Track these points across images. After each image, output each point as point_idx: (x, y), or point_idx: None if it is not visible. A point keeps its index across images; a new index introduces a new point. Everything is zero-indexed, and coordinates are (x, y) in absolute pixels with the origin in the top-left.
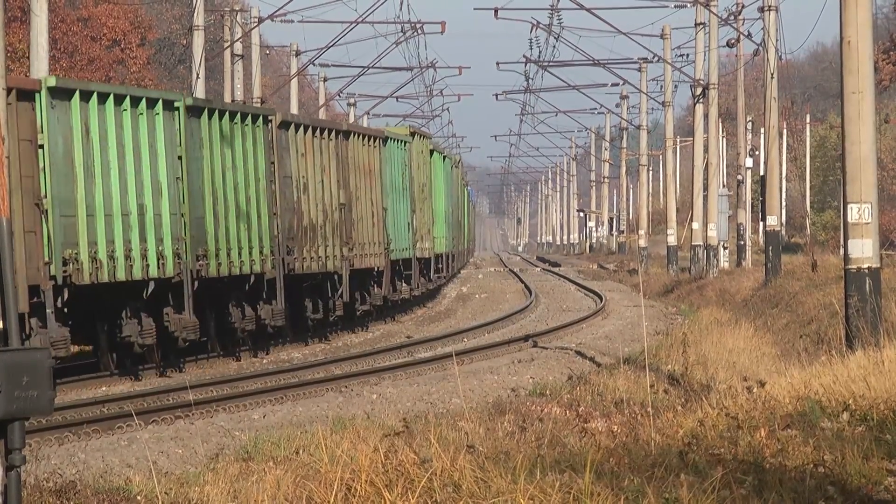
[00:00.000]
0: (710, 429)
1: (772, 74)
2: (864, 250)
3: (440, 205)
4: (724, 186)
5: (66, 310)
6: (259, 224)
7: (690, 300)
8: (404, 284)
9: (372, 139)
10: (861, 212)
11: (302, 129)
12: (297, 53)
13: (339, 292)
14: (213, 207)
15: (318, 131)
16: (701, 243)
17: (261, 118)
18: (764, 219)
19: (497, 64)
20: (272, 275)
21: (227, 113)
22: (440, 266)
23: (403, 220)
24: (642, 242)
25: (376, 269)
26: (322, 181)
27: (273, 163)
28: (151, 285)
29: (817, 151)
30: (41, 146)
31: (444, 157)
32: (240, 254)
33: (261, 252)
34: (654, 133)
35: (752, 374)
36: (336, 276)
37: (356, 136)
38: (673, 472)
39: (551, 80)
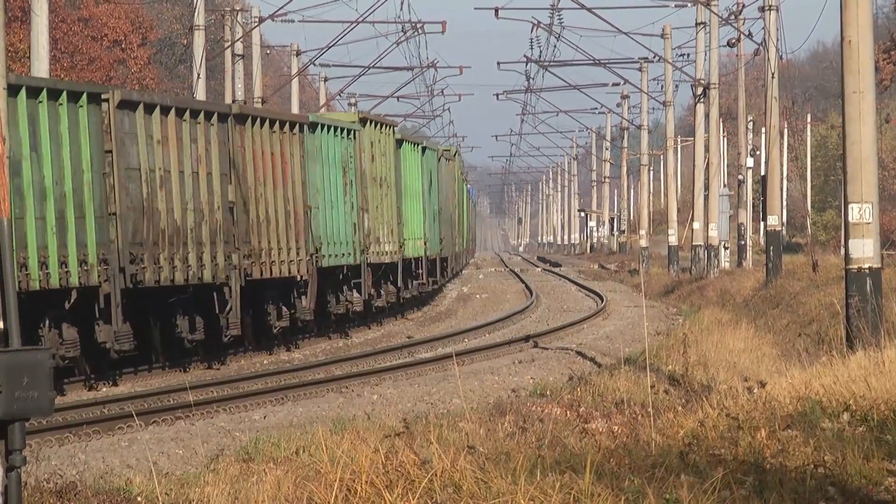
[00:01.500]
0: (710, 429)
1: (772, 74)
2: (864, 250)
3: (415, 203)
4: (724, 186)
5: None
6: (84, 227)
7: (691, 300)
8: (356, 294)
9: (288, 126)
10: (862, 212)
11: (158, 110)
12: (298, 53)
13: (229, 308)
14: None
15: (186, 114)
16: (702, 243)
17: (85, 95)
18: (765, 219)
19: (498, 64)
20: (107, 288)
21: (43, 90)
22: (419, 272)
23: (344, 221)
24: (643, 242)
25: (299, 277)
26: (195, 175)
27: (110, 151)
28: None
29: (818, 151)
30: None
31: (425, 149)
32: (62, 263)
33: (84, 261)
34: (655, 133)
35: (753, 375)
36: (226, 288)
37: (258, 121)
38: (673, 472)
39: (552, 79)
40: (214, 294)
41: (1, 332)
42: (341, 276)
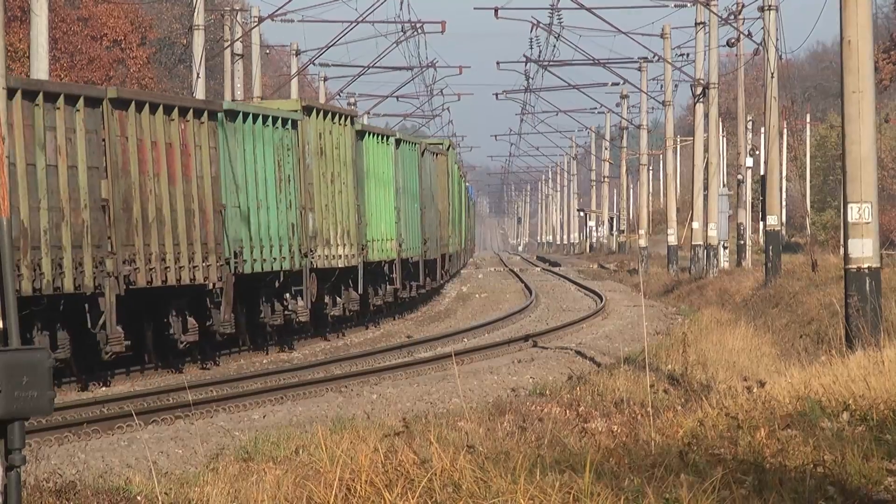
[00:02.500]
0: (710, 429)
1: (772, 74)
2: (864, 250)
3: (384, 201)
4: (724, 186)
5: None
6: None
7: (690, 300)
8: (299, 301)
9: (192, 113)
10: (861, 211)
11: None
12: (298, 53)
13: (102, 320)
14: None
15: (39, 98)
16: (701, 243)
17: None
18: (764, 218)
19: (497, 63)
20: None
21: None
22: (392, 276)
23: (277, 222)
24: (642, 242)
25: (211, 286)
26: (51, 168)
27: None
28: None
29: (817, 151)
30: None
31: (401, 142)
32: None
33: None
34: (655, 132)
35: (752, 374)
36: (101, 298)
37: (146, 107)
38: (673, 472)
39: (551, 79)
40: (87, 305)
41: (0, 332)
42: (278, 284)
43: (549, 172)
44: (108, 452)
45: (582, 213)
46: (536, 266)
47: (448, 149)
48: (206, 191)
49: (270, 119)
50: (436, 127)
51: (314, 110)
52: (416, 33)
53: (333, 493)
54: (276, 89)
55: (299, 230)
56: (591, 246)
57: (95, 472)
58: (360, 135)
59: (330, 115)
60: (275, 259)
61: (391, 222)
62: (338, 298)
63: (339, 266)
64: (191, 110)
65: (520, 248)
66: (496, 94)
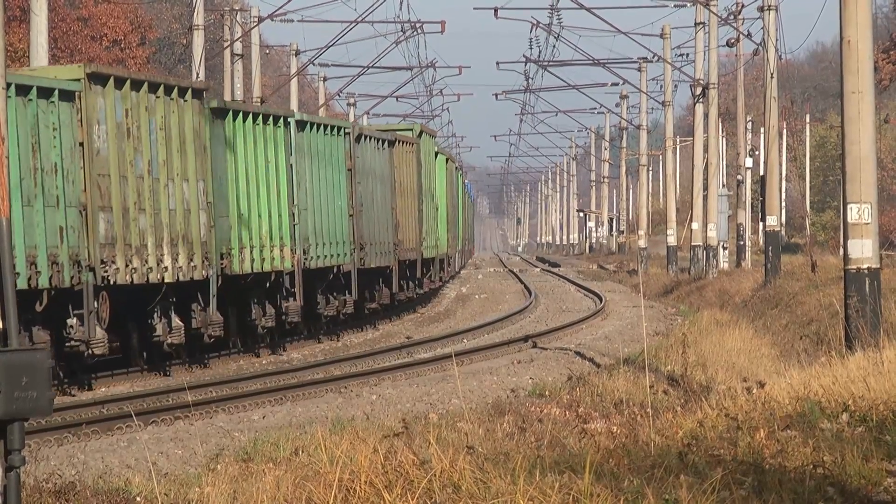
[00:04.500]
0: (709, 430)
1: (772, 74)
2: (863, 250)
3: (274, 196)
4: (723, 186)
5: None
6: None
7: (690, 301)
8: (78, 325)
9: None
10: (861, 212)
11: None
12: (297, 53)
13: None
14: None
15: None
16: (701, 244)
17: None
18: (764, 219)
19: (497, 64)
20: None
21: None
22: (294, 290)
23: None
24: (642, 243)
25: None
26: None
27: None
28: None
29: (817, 151)
30: None
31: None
32: None
33: None
34: (654, 133)
35: (752, 375)
36: None
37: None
38: (672, 472)
39: (551, 79)
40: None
41: (0, 332)
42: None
43: (549, 173)
44: (108, 453)
45: (581, 214)
46: (536, 267)
47: (420, 136)
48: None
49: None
50: (435, 127)
51: (112, 79)
52: (415, 33)
53: (333, 493)
54: (276, 89)
55: (78, 235)
56: (590, 246)
57: (95, 472)
58: (219, 112)
59: (147, 85)
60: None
61: (285, 224)
62: (172, 324)
63: (167, 281)
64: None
65: (519, 249)
66: (496, 95)
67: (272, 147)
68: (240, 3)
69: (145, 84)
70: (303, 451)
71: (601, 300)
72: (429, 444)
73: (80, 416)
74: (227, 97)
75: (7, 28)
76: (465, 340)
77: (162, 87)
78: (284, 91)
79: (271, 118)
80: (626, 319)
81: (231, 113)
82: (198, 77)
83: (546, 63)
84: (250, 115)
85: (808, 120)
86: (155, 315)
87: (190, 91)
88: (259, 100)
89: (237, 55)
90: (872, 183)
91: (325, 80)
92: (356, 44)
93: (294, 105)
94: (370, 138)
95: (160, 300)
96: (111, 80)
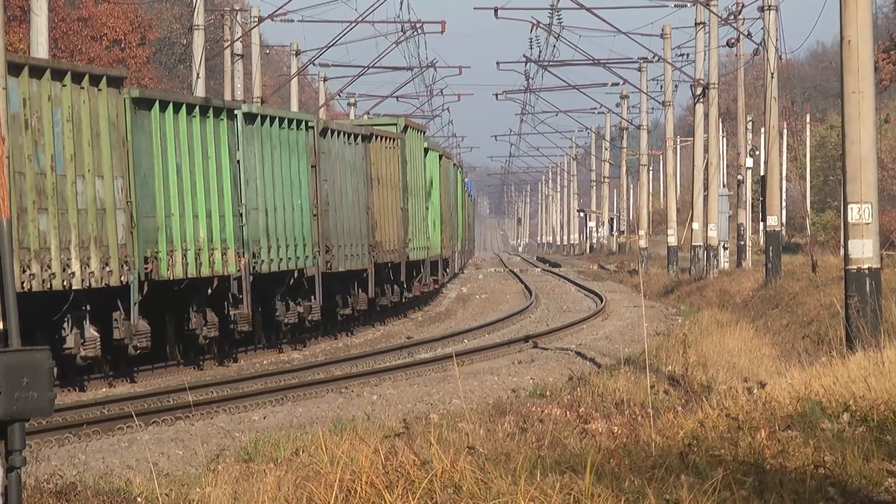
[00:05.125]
0: (710, 430)
1: (772, 74)
2: (864, 250)
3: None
4: (724, 186)
5: None
6: None
7: (690, 301)
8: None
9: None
10: (861, 212)
11: None
12: (297, 53)
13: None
14: None
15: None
16: (701, 244)
17: None
18: (764, 219)
19: (497, 63)
20: None
21: None
22: (233, 299)
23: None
24: (642, 243)
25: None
26: None
27: None
28: None
29: (817, 151)
30: None
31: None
32: None
33: None
34: (655, 133)
35: (753, 375)
36: None
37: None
38: (673, 473)
39: (551, 79)
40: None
41: (0, 333)
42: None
43: (549, 173)
44: (109, 453)
45: (582, 214)
46: (536, 267)
47: (405, 131)
48: None
49: None
50: (435, 127)
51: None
52: (415, 33)
53: (334, 494)
54: (276, 89)
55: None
56: (591, 247)
57: (96, 473)
58: (142, 104)
59: (49, 72)
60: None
61: (220, 226)
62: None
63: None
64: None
65: (520, 249)
66: (496, 95)
67: (212, 141)
68: (240, 3)
69: (48, 71)
70: (304, 452)
71: (602, 300)
72: (430, 444)
73: (81, 417)
74: (228, 97)
75: (7, 28)
76: (465, 341)
77: (69, 75)
78: (285, 91)
79: (211, 110)
80: (627, 319)
81: (159, 103)
82: (198, 77)
83: (546, 63)
84: (184, 107)
85: (808, 120)
86: (65, 325)
87: (105, 79)
88: (259, 100)
89: (237, 55)
90: (873, 183)
91: (325, 80)
92: (356, 44)
93: (294, 105)
94: (339, 133)
95: (70, 309)
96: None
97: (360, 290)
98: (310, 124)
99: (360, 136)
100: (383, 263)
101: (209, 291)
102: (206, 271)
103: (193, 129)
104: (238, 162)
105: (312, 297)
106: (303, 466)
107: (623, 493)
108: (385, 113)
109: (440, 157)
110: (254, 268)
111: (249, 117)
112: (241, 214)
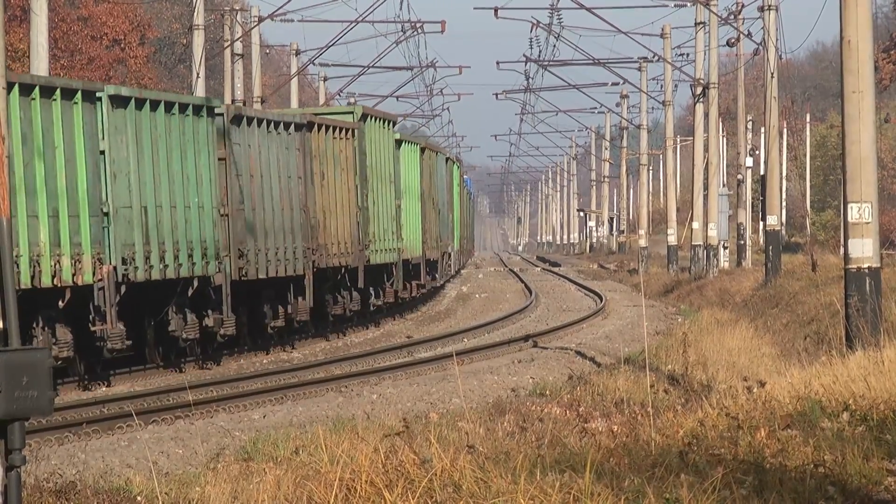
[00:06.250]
0: (710, 429)
1: (772, 74)
2: (864, 250)
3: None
4: (724, 186)
5: None
6: None
7: (690, 300)
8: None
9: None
10: (861, 211)
11: None
12: (297, 53)
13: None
14: None
15: None
16: (701, 243)
17: None
18: (764, 218)
19: (497, 63)
20: None
21: None
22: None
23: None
24: (642, 242)
25: None
26: None
27: None
28: None
29: (817, 151)
30: None
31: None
32: None
33: None
34: (655, 132)
35: (753, 374)
36: None
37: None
38: (673, 472)
39: (551, 79)
40: None
41: (0, 332)
42: None
43: (549, 172)
44: (109, 452)
45: (582, 214)
46: (536, 266)
47: (364, 119)
48: None
49: None
50: (436, 127)
51: None
52: (415, 33)
53: (334, 493)
54: (276, 89)
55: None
56: (591, 246)
57: (96, 472)
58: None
59: None
60: None
61: (72, 229)
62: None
63: None
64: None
65: (520, 249)
66: (496, 94)
67: (60, 129)
68: (240, 3)
69: None
70: (303, 451)
71: (602, 299)
72: (429, 443)
73: (81, 416)
74: (228, 97)
75: (7, 28)
76: (465, 340)
77: None
78: (285, 91)
79: (59, 91)
80: (627, 319)
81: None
82: (197, 77)
83: (546, 63)
84: (17, 86)
85: (808, 119)
86: None
87: None
88: (259, 99)
89: (237, 55)
90: (873, 182)
91: (325, 79)
92: (356, 44)
93: (294, 105)
94: (262, 122)
95: None
96: None
97: (299, 299)
98: (216, 111)
99: (292, 126)
100: (335, 268)
101: (60, 304)
102: (47, 281)
103: (34, 115)
104: (102, 153)
105: (220, 309)
106: (302, 465)
107: (623, 492)
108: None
109: (422, 150)
110: (125, 276)
111: (119, 101)
112: (104, 214)
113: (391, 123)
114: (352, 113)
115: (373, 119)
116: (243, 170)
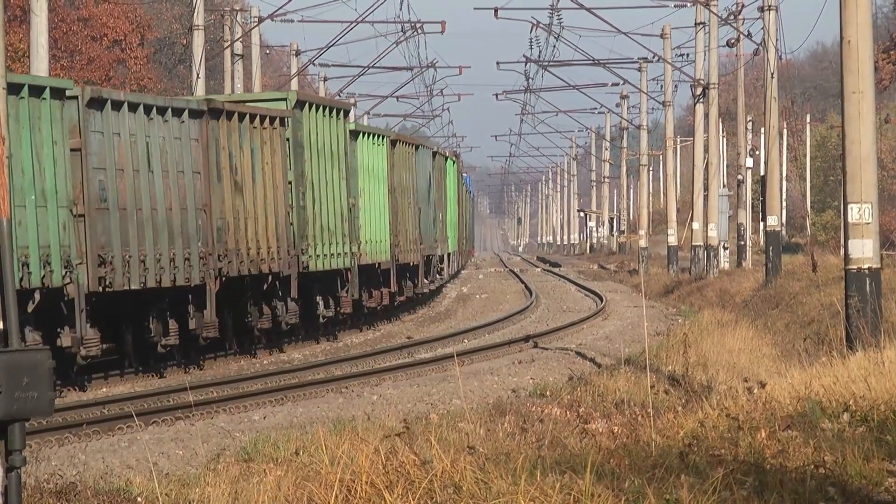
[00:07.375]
0: (710, 430)
1: (772, 74)
2: (864, 250)
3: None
4: (724, 186)
5: None
6: None
7: (691, 301)
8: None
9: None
10: (861, 212)
11: None
12: (297, 53)
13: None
14: None
15: None
16: (701, 243)
17: None
18: (764, 219)
19: (497, 64)
20: None
21: None
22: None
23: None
24: (643, 243)
25: None
26: None
27: None
28: None
29: (817, 151)
30: None
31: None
32: None
33: None
34: (655, 133)
35: (753, 375)
36: None
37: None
38: (673, 472)
39: (551, 79)
40: None
41: (0, 332)
42: None
43: (550, 173)
44: (109, 453)
45: (582, 214)
46: (537, 267)
47: (301, 107)
48: None
49: None
50: (436, 127)
51: None
52: (415, 33)
53: (334, 493)
54: (277, 89)
55: None
56: (591, 246)
57: (96, 473)
58: None
59: None
60: None
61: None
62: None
63: None
64: None
65: (520, 249)
66: (496, 95)
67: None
68: (240, 3)
69: None
70: (304, 452)
71: (602, 300)
72: (430, 444)
73: (81, 417)
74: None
75: (7, 28)
76: (465, 340)
77: None
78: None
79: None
80: (627, 319)
81: None
82: (198, 77)
83: (546, 63)
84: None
85: (808, 120)
86: None
87: None
88: None
89: (237, 55)
90: (873, 183)
91: (325, 80)
92: (356, 44)
93: None
94: (136, 106)
95: None
96: None
97: (196, 314)
98: (67, 93)
99: (185, 112)
100: (257, 276)
101: None
102: None
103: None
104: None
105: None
106: (303, 466)
107: (623, 492)
108: (386, 113)
109: (392, 143)
110: None
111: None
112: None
113: (342, 112)
114: (284, 100)
115: (314, 107)
116: (108, 162)
